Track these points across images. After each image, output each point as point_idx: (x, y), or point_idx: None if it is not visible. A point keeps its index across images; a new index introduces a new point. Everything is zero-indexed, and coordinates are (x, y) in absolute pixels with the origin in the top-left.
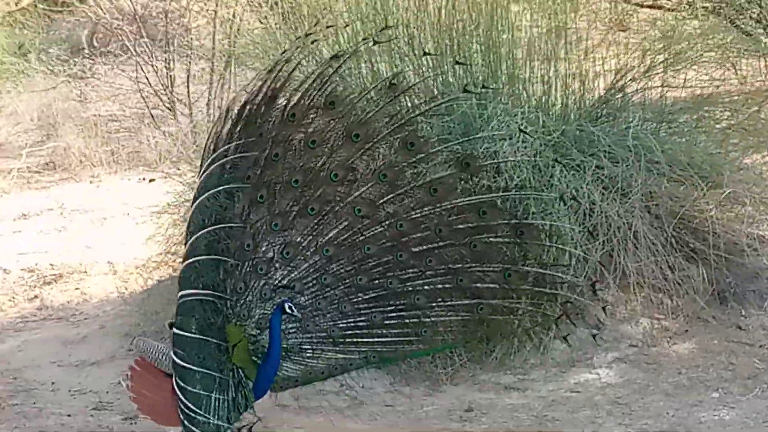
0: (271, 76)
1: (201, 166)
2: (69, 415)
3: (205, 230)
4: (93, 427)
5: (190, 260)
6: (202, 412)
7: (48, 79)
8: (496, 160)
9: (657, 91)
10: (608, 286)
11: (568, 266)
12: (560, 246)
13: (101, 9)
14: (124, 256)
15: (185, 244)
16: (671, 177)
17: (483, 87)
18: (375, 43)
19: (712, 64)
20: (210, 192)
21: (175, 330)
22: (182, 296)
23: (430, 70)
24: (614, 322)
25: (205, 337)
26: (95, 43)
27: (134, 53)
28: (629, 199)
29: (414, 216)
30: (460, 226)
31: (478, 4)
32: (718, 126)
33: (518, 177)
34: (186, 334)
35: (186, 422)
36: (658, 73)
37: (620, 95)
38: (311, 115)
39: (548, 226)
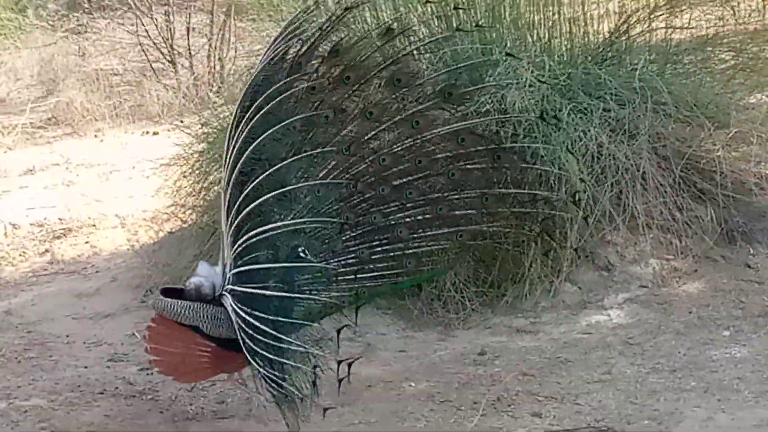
0: (285, 29)
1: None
2: (85, 367)
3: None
4: (110, 378)
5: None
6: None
7: (47, 35)
8: (477, 86)
9: (661, 32)
10: (617, 227)
11: (554, 190)
12: (539, 167)
13: None
14: (133, 209)
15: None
16: (678, 118)
17: (476, 25)
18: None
19: (715, 4)
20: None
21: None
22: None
23: (432, 16)
24: (624, 264)
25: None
26: None
27: (133, 6)
28: (637, 140)
29: (395, 149)
30: (439, 156)
31: None
32: (722, 66)
33: (526, 122)
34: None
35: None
36: (662, 15)
37: (625, 37)
38: (315, 64)
39: (528, 150)
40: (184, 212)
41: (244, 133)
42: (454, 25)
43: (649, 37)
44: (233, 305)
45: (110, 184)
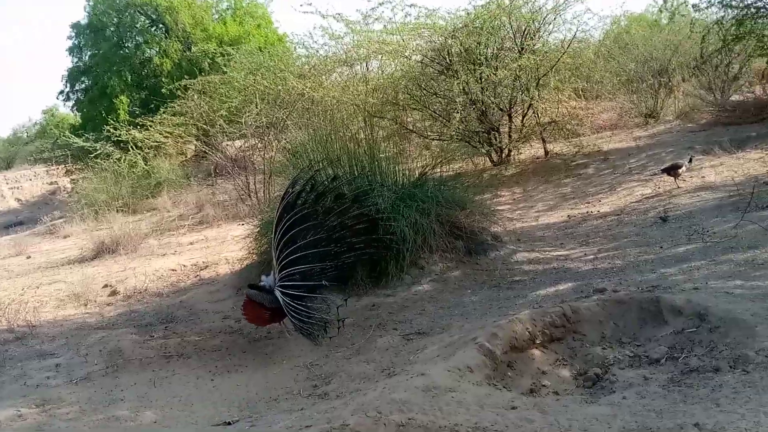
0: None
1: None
2: (212, 322)
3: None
4: (224, 326)
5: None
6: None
7: (199, 187)
8: (367, 198)
9: (438, 172)
10: (425, 251)
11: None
12: (388, 223)
13: (216, 156)
14: (234, 257)
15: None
16: (446, 206)
17: (365, 171)
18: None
19: (461, 159)
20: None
21: None
22: None
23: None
24: (429, 265)
25: None
26: (216, 170)
27: (231, 173)
28: (430, 216)
29: (331, 225)
30: (348, 224)
31: (363, 143)
32: (464, 185)
33: (385, 211)
34: None
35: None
36: (439, 165)
37: (424, 176)
38: (304, 197)
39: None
40: (251, 256)
41: (283, 227)
42: (356, 172)
43: (434, 175)
44: (281, 296)
45: (223, 246)
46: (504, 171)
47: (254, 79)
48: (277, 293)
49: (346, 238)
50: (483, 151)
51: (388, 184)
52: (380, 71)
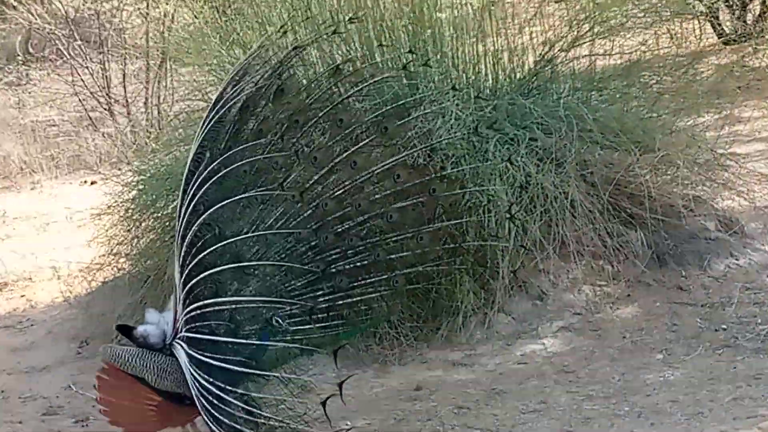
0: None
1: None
2: (20, 422)
3: None
4: None
5: None
6: None
7: None
8: (409, 118)
9: (585, 60)
10: (549, 256)
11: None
12: (470, 189)
13: (33, 14)
14: (68, 260)
15: None
16: (604, 144)
17: (424, 63)
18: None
19: (642, 29)
20: None
21: None
22: None
23: (361, 56)
24: (557, 292)
25: None
26: (30, 49)
27: (69, 56)
28: (564, 168)
29: (337, 193)
30: (377, 197)
31: None
32: (649, 90)
33: (452, 154)
34: None
35: None
36: (585, 42)
37: (549, 67)
38: (263, 105)
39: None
40: (116, 261)
41: (199, 193)
42: (379, 63)
43: (573, 66)
44: (189, 368)
45: (47, 236)
46: (750, 58)
47: None
48: (180, 354)
49: (367, 234)
50: (697, 9)
51: (459, 86)
52: None
